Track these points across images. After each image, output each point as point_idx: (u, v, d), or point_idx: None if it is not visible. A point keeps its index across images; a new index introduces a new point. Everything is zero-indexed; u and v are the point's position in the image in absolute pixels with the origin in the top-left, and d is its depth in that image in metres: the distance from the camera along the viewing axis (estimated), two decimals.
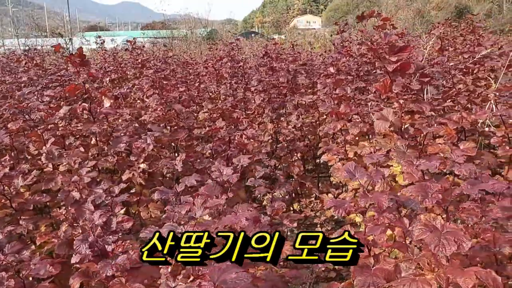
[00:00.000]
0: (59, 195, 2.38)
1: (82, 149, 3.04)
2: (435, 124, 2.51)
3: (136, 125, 3.33)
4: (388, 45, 2.71)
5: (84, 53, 2.94)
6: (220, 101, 4.93)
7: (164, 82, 4.17)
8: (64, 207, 2.48)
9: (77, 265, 2.02)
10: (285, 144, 4.32)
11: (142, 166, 3.02)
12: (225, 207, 2.18)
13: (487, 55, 4.88)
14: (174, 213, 1.94)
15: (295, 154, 4.34)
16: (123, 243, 1.92)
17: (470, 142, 2.72)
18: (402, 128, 2.80)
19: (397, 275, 1.71)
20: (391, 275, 1.71)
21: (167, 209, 2.03)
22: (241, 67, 5.52)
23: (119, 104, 3.72)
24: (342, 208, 1.85)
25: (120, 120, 3.48)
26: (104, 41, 8.08)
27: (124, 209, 3.13)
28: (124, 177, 2.90)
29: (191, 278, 1.36)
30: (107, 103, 3.03)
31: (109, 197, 2.09)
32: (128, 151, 3.11)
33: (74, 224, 2.29)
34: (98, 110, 3.05)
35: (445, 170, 3.03)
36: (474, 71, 4.96)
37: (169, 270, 1.45)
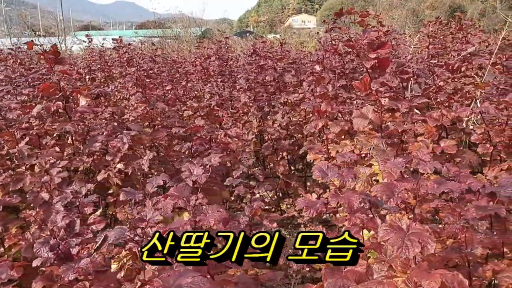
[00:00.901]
0: (27, 196, 2.30)
1: (57, 148, 2.97)
2: (411, 122, 2.45)
3: (115, 124, 3.25)
4: (367, 42, 2.66)
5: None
6: (205, 100, 4.86)
7: (147, 80, 4.09)
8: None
9: (43, 269, 1.96)
10: (270, 143, 4.27)
11: (119, 166, 2.96)
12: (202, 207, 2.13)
13: (475, 52, 4.86)
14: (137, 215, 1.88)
15: (281, 153, 4.29)
16: (88, 246, 1.86)
17: (451, 140, 2.68)
18: (382, 126, 2.75)
19: (368, 277, 1.66)
20: (362, 277, 1.65)
21: (132, 210, 1.97)
22: (227, 66, 5.45)
23: (98, 102, 3.65)
24: (314, 208, 1.79)
25: (100, 119, 3.40)
26: (92, 40, 7.98)
27: (101, 210, 3.07)
28: (99, 178, 2.83)
29: (139, 283, 1.29)
30: (83, 101, 2.95)
31: (75, 198, 2.02)
32: (105, 151, 3.04)
33: (43, 226, 2.22)
34: (74, 108, 2.99)
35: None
36: (462, 69, 4.93)
37: (122, 274, 1.38)
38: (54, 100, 2.85)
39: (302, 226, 3.68)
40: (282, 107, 4.41)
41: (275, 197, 4.20)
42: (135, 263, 1.60)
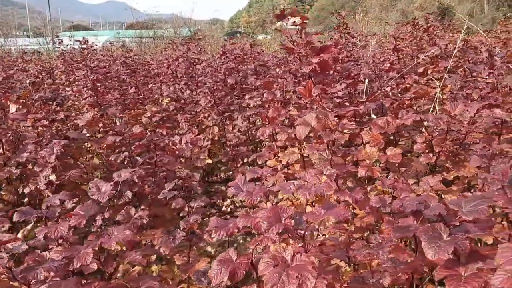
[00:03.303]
0: None
1: None
2: (341, 130, 2.31)
3: (54, 131, 3.07)
4: (310, 46, 2.52)
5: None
6: (164, 104, 4.69)
7: (98, 84, 3.92)
8: None
9: None
10: (228, 150, 4.11)
11: (51, 177, 2.78)
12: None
13: (441, 55, 4.75)
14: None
15: (240, 160, 4.13)
16: None
17: (397, 149, 2.54)
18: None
19: None
20: None
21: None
22: (193, 68, 5.29)
23: (48, 108, 3.46)
24: (224, 229, 1.63)
25: (37, 127, 3.22)
26: (62, 41, 7.76)
27: (32, 224, 2.89)
28: (26, 190, 2.65)
29: None
30: (13, 108, 2.77)
31: None
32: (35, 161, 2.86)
33: None
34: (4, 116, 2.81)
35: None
36: (428, 71, 4.82)
37: None
38: None
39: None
40: (241, 111, 4.25)
41: (232, 206, 4.04)
42: None
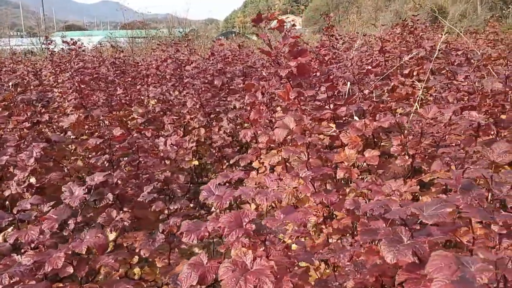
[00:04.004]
0: None
1: None
2: (315, 133, 2.32)
3: (35, 134, 3.06)
4: (288, 49, 2.53)
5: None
6: (151, 105, 4.69)
7: (82, 86, 3.90)
8: None
9: None
10: (214, 151, 4.11)
11: (32, 180, 2.78)
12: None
13: (427, 56, 4.78)
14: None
15: (226, 161, 4.14)
16: None
17: (374, 151, 2.56)
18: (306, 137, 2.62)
19: None
20: None
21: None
22: (181, 70, 5.29)
23: (34, 109, 3.45)
24: (195, 233, 1.64)
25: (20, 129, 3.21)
26: (51, 42, 7.71)
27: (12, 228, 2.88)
28: (6, 193, 2.64)
29: None
30: None
31: None
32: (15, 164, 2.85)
33: None
34: None
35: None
36: (414, 73, 4.85)
37: None
38: None
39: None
40: (227, 113, 4.26)
41: None
42: None
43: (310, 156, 2.24)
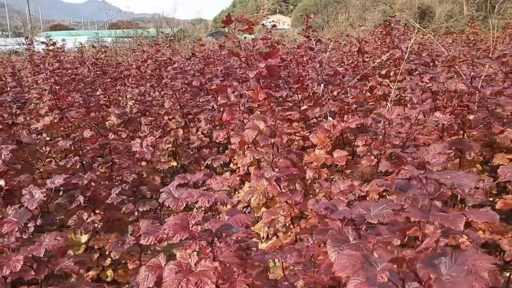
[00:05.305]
0: None
1: None
2: (280, 134, 2.34)
3: (6, 136, 3.03)
4: (257, 51, 2.55)
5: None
6: (128, 107, 4.67)
7: (57, 87, 3.87)
8: None
9: None
10: (191, 152, 4.11)
11: (1, 182, 2.75)
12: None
13: (403, 57, 4.84)
14: None
15: (202, 162, 4.14)
16: None
17: (343, 151, 2.59)
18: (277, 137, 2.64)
19: None
20: None
21: None
22: (159, 70, 5.27)
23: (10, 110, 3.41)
24: (153, 235, 1.64)
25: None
26: (32, 42, 7.63)
27: None
28: None
29: None
30: None
31: None
32: None
33: None
34: None
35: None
36: (391, 73, 4.91)
37: None
38: None
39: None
40: (205, 114, 4.26)
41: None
42: None
43: (275, 157, 2.26)
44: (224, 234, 1.29)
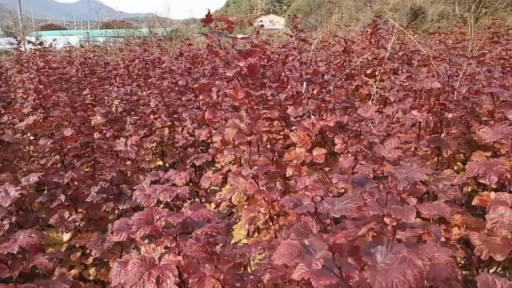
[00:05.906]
0: None
1: None
2: (257, 133, 2.37)
3: None
4: (237, 50, 2.57)
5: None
6: (114, 106, 4.67)
7: (41, 86, 3.86)
8: None
9: None
10: (176, 151, 4.12)
11: None
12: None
13: (389, 57, 4.89)
14: None
15: (187, 161, 4.15)
16: None
17: (322, 149, 2.62)
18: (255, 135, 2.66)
19: None
20: None
21: None
22: (146, 69, 5.28)
23: None
24: (126, 232, 1.65)
25: None
26: (20, 42, 7.58)
27: None
28: None
29: None
30: None
31: None
32: None
33: None
34: None
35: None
36: (376, 73, 4.96)
37: None
38: None
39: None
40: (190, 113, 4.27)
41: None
42: None
43: (253, 155, 2.28)
44: (190, 229, 1.31)
